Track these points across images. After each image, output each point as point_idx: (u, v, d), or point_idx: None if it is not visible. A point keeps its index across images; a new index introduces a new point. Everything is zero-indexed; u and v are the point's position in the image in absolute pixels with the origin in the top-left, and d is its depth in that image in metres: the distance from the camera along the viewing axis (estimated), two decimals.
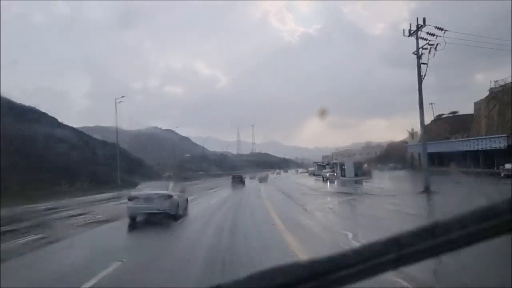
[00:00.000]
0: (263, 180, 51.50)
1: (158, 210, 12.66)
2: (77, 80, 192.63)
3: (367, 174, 49.34)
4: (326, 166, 76.90)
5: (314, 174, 74.66)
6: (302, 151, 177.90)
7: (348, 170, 50.13)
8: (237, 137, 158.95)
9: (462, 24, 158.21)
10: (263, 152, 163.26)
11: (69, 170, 36.38)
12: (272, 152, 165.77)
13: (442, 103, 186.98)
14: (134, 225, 12.69)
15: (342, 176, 50.53)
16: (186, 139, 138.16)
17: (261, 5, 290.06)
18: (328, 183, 42.88)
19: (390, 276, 4.45)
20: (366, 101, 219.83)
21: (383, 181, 40.01)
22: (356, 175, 48.24)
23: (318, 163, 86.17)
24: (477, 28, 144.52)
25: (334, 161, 65.49)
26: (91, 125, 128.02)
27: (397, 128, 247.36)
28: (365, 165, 58.29)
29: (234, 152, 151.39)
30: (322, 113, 74.16)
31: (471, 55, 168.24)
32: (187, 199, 16.19)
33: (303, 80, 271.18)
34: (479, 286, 5.06)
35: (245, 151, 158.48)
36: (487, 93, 52.22)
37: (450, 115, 77.28)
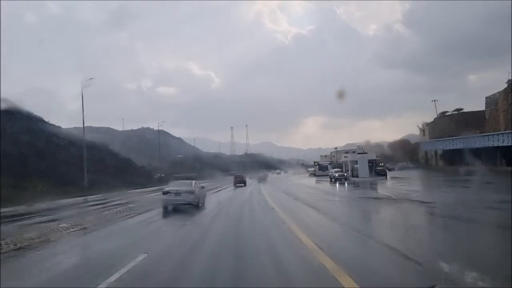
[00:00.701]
0: (262, 180, 53.10)
1: (185, 201, 16.92)
2: (69, 80, 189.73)
3: (382, 174, 44.63)
4: (329, 166, 73.01)
5: (315, 175, 70.81)
6: (296, 151, 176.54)
7: (361, 170, 45.39)
8: (231, 138, 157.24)
9: (455, 26, 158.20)
10: (256, 152, 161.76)
11: (39, 173, 32.80)
12: (265, 152, 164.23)
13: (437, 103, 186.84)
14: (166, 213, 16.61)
15: (353, 176, 46.34)
16: (179, 139, 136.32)
17: (254, 6, 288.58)
18: (337, 184, 37.90)
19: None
20: (359, 102, 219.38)
21: (408, 182, 35.08)
22: (371, 175, 43.95)
23: (320, 163, 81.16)
24: (470, 30, 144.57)
25: (344, 159, 58.40)
26: (81, 125, 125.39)
27: (389, 128, 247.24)
28: (381, 164, 52.32)
29: (228, 153, 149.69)
30: (340, 94, 66.68)
31: (463, 56, 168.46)
32: (205, 194, 20.88)
33: (296, 81, 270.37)
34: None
35: (239, 151, 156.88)
36: (480, 93, 50.61)
37: (455, 112, 74.49)
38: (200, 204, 17.95)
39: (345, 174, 45.47)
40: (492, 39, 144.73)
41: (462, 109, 75.02)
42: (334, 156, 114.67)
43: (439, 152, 64.51)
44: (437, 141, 62.92)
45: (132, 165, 54.99)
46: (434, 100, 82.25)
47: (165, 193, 17.30)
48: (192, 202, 17.03)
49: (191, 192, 17.26)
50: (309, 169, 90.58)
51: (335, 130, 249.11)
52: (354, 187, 33.44)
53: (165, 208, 16.78)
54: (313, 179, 56.43)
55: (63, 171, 34.81)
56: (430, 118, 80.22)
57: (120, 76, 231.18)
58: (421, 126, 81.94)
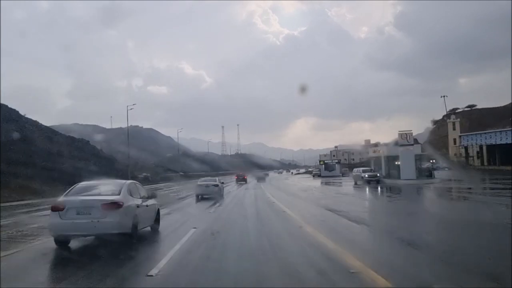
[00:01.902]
0: (260, 179, 54.44)
1: (212, 192, 23.35)
2: (59, 78, 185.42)
3: (428, 175, 36.57)
4: (336, 165, 66.31)
5: (320, 176, 62.78)
6: (287, 152, 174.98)
7: (405, 168, 35.04)
8: (222, 138, 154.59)
9: (446, 29, 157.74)
10: (248, 153, 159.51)
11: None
12: (257, 153, 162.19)
13: (429, 106, 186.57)
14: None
15: (388, 177, 36.86)
16: (169, 138, 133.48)
17: (247, 6, 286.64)
18: (369, 189, 27.67)
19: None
20: (350, 104, 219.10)
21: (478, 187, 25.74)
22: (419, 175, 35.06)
23: (326, 162, 71.02)
24: (460, 33, 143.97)
25: (373, 154, 45.90)
26: (69, 122, 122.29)
27: (380, 130, 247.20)
28: (433, 161, 45.19)
29: (219, 153, 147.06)
30: (302, 89, 60.52)
31: (454, 59, 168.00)
32: (223, 188, 27.49)
33: (288, 82, 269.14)
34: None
35: (230, 152, 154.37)
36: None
37: (467, 109, 70.56)
38: (223, 194, 24.78)
39: (378, 175, 34.94)
40: (483, 43, 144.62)
41: (475, 105, 70.29)
42: (334, 156, 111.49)
43: (479, 147, 53.09)
44: (485, 133, 48.46)
45: (114, 164, 52.10)
46: (444, 96, 77.59)
47: (197, 186, 24.29)
48: (216, 193, 23.94)
49: (216, 186, 23.95)
50: (313, 169, 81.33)
51: (326, 131, 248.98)
52: (413, 197, 22.38)
53: (197, 197, 22.81)
54: (320, 181, 45.82)
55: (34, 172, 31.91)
56: (439, 115, 75.21)
57: (110, 75, 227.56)
58: (431, 125, 77.11)
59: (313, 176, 68.49)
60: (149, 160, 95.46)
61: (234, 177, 55.89)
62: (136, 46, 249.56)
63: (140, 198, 9.55)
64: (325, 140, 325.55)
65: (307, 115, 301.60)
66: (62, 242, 8.09)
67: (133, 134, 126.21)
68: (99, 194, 8.58)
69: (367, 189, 28.18)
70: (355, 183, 34.69)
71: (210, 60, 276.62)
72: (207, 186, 23.80)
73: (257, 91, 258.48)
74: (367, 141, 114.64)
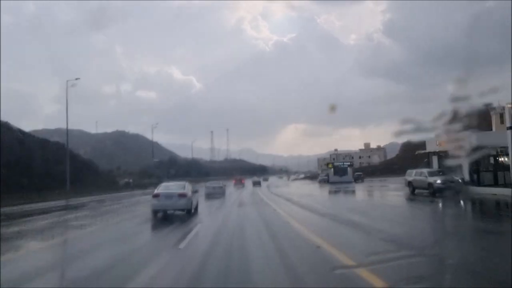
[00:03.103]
0: (256, 184, 54.24)
1: (220, 190, 30.12)
2: (44, 82, 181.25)
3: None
4: (348, 169, 55.84)
5: (327, 182, 54.10)
6: (277, 158, 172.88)
7: None
8: (211, 143, 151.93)
9: (434, 36, 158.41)
10: (238, 158, 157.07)
11: None
12: (246, 159, 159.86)
13: (417, 113, 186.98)
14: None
15: (476, 183, 22.78)
16: (156, 144, 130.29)
17: (236, 12, 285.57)
18: (455, 206, 16.86)
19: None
20: (340, 110, 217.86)
21: None
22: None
23: (336, 165, 59.00)
24: (448, 40, 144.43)
25: (437, 147, 28.58)
26: (53, 127, 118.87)
27: (370, 137, 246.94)
28: None
29: (208, 158, 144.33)
30: (332, 108, 58.90)
31: (442, 66, 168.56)
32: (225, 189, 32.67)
33: (278, 88, 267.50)
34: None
35: (219, 157, 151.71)
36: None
37: (484, 106, 67.75)
38: (226, 194, 24.75)
39: (459, 180, 21.38)
40: (470, 50, 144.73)
41: (491, 103, 66.39)
42: (334, 159, 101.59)
43: None
44: None
45: (94, 169, 49.36)
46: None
47: (207, 186, 27.96)
48: (222, 192, 29.31)
49: (222, 187, 25.67)
50: (307, 174, 70.70)
51: (316, 137, 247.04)
52: None
53: (207, 195, 23.05)
54: (334, 190, 35.08)
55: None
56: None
57: (98, 79, 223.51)
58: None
59: (319, 182, 57.92)
60: (134, 165, 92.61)
61: (233, 181, 60.37)
62: (124, 51, 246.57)
63: (191, 192, 15.96)
64: (315, 146, 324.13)
65: (297, 121, 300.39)
66: (155, 212, 14.61)
67: (119, 139, 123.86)
68: (175, 189, 15.26)
69: (416, 196, 19.80)
70: (412, 192, 23.18)
71: (199, 65, 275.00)
72: (214, 187, 29.93)
73: (247, 97, 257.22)
74: (367, 144, 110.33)
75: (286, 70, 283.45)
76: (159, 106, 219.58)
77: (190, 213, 14.89)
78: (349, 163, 60.53)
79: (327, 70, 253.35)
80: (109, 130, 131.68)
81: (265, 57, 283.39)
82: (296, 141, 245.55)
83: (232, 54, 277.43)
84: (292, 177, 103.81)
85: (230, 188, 45.99)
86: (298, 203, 20.49)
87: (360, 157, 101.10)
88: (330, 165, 61.67)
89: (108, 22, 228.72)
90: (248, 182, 60.19)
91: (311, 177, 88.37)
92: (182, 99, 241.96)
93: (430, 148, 29.50)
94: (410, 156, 74.77)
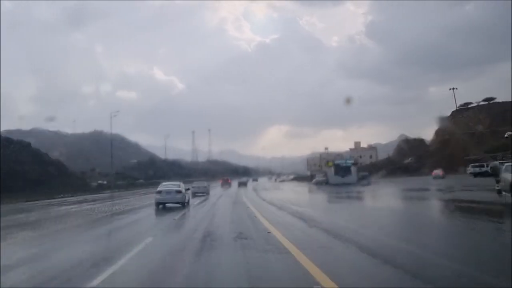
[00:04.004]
0: (242, 185, 53.84)
1: (204, 189, 33.97)
2: (21, 82, 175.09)
3: None
4: (352, 168, 47.91)
5: (326, 183, 46.36)
6: (260, 160, 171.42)
7: None
8: (192, 143, 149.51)
9: (416, 38, 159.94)
10: (220, 160, 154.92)
11: None
12: (229, 160, 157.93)
13: (399, 115, 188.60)
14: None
15: None
16: (135, 145, 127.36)
17: (218, 12, 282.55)
18: None
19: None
20: (323, 112, 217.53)
21: None
22: None
23: (338, 163, 50.14)
24: (429, 42, 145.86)
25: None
26: (28, 128, 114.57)
27: (352, 138, 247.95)
28: None
29: (189, 159, 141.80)
30: (348, 101, 55.09)
31: (424, 68, 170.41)
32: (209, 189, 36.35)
33: (260, 89, 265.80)
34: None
35: (201, 159, 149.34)
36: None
37: (484, 103, 61.70)
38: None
39: None
40: (451, 53, 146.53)
41: (494, 98, 60.73)
42: (324, 159, 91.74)
43: None
44: None
45: (64, 171, 46.88)
46: (453, 88, 66.76)
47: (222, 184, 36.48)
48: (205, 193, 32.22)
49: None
50: (316, 175, 61.08)
51: (298, 139, 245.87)
52: None
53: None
54: (346, 196, 27.05)
55: None
56: (447, 111, 66.71)
57: (77, 79, 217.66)
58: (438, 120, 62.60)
59: (316, 184, 48.96)
60: (109, 166, 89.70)
61: (219, 182, 63.45)
62: (104, 50, 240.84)
63: (185, 190, 21.07)
64: (297, 148, 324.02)
65: (279, 123, 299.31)
66: (158, 204, 19.84)
67: (97, 140, 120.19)
68: (172, 187, 20.52)
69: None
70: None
71: (181, 66, 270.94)
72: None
73: (229, 98, 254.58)
74: (357, 144, 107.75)
75: (269, 71, 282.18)
76: (140, 106, 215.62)
77: (184, 205, 20.34)
78: (352, 161, 51.48)
79: (309, 72, 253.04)
80: (87, 130, 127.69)
81: (247, 58, 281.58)
82: (279, 143, 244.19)
83: (214, 55, 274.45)
84: (282, 177, 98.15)
85: (215, 188, 47.86)
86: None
87: (350, 157, 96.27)
88: (330, 164, 51.62)
89: (87, 21, 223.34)
90: (233, 183, 61.97)
91: (300, 178, 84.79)
92: (163, 100, 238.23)
93: None
94: (411, 153, 70.32)
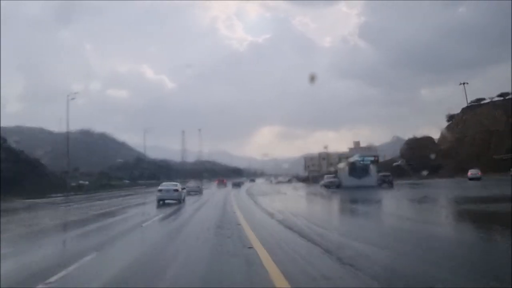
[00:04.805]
0: (235, 185, 54.87)
1: (198, 189, 39.80)
2: (7, 79, 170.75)
3: None
4: (371, 166, 40.26)
5: (338, 186, 38.38)
6: (251, 161, 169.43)
7: None
8: (182, 143, 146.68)
9: (408, 40, 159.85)
10: (211, 160, 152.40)
11: None
12: (220, 161, 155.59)
13: (390, 116, 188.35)
14: None
15: None
16: (122, 144, 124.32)
17: (210, 11, 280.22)
18: None
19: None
20: (315, 113, 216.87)
21: None
22: None
23: (353, 161, 41.89)
24: (421, 44, 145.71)
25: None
26: (12, 125, 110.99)
27: (344, 140, 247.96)
28: None
29: (178, 159, 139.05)
30: (312, 78, 48.55)
31: (417, 70, 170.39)
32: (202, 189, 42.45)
33: (252, 89, 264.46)
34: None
35: (191, 159, 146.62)
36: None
37: (499, 98, 58.13)
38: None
39: None
40: (443, 55, 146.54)
41: (509, 93, 57.83)
42: (324, 158, 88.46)
43: None
44: None
45: (41, 170, 44.23)
46: (463, 83, 63.56)
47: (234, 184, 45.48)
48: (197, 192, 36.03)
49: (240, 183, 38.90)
50: (325, 176, 47.47)
51: (290, 140, 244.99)
52: None
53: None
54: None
55: None
56: (456, 108, 63.43)
57: (66, 77, 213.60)
58: (445, 120, 60.73)
59: (325, 187, 39.63)
60: (98, 166, 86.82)
61: (215, 182, 66.08)
62: (94, 48, 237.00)
63: (181, 189, 25.88)
64: (289, 149, 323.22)
65: (271, 124, 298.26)
66: (159, 201, 23.88)
67: (83, 139, 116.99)
68: (171, 186, 25.37)
69: None
70: None
71: (172, 65, 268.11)
72: (236, 183, 44.48)
73: (221, 98, 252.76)
74: (357, 143, 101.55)
75: (261, 72, 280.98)
76: (129, 105, 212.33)
77: (180, 202, 24.31)
78: (372, 158, 41.99)
79: (302, 72, 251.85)
80: (74, 128, 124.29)
81: (239, 57, 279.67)
82: (271, 144, 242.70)
83: (206, 54, 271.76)
84: (279, 178, 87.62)
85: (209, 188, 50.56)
86: None
87: (347, 158, 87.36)
88: (343, 162, 43.42)
89: (76, 18, 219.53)
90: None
91: (298, 179, 78.97)
92: (154, 99, 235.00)
93: None
94: (419, 153, 60.40)
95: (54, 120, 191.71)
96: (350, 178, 39.43)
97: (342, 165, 43.23)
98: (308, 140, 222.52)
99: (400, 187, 36.33)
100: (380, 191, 32.17)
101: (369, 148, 62.00)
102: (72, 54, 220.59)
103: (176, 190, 24.32)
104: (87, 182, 53.57)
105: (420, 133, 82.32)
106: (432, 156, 52.52)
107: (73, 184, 48.10)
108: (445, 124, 70.85)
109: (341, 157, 49.32)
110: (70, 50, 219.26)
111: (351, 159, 42.37)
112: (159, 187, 25.05)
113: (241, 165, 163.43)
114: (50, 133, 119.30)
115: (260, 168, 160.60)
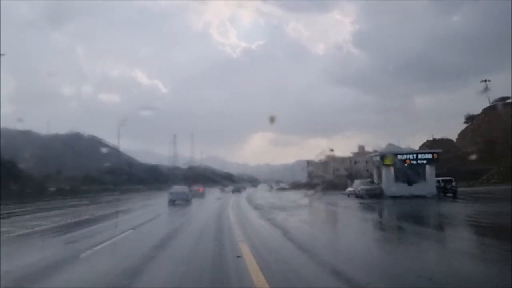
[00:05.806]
0: (236, 191, 56.44)
1: (198, 192, 46.47)
2: None
3: None
4: (427, 168, 30.89)
5: (377, 195, 29.84)
6: (244, 167, 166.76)
7: None
8: (174, 148, 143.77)
9: (402, 47, 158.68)
10: (203, 165, 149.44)
11: None
12: (213, 167, 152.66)
13: (383, 123, 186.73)
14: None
15: None
16: (114, 149, 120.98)
17: (203, 16, 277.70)
18: None
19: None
20: (308, 119, 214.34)
21: None
22: None
23: (397, 160, 31.58)
24: (415, 52, 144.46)
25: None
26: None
27: (336, 147, 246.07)
28: None
29: (170, 164, 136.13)
30: (272, 119, 48.06)
31: (409, 77, 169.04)
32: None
33: (245, 95, 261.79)
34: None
35: (183, 165, 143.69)
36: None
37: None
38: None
39: None
40: (438, 63, 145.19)
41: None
42: (321, 160, 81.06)
43: None
44: None
45: (15, 173, 41.36)
46: (485, 80, 58.63)
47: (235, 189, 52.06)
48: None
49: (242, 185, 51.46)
50: (354, 182, 37.06)
51: (283, 147, 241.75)
52: None
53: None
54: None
55: None
56: (476, 109, 60.18)
57: (56, 79, 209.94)
58: (463, 121, 58.38)
59: (359, 197, 31.00)
60: (83, 170, 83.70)
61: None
62: (84, 51, 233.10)
63: (189, 191, 34.79)
64: (282, 156, 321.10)
65: (264, 130, 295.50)
66: (170, 202, 29.85)
67: (71, 142, 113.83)
68: (181, 189, 33.40)
69: None
70: None
71: (164, 70, 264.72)
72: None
73: (213, 104, 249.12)
74: (361, 147, 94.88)
75: (254, 78, 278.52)
76: (122, 109, 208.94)
77: (188, 202, 31.04)
78: (430, 156, 31.72)
79: (295, 79, 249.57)
80: (62, 131, 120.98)
81: (232, 63, 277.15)
82: (264, 150, 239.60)
83: (199, 60, 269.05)
84: (281, 185, 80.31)
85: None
86: None
87: (356, 162, 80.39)
88: (387, 161, 31.31)
89: (66, 20, 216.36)
90: (214, 191, 62.07)
91: (300, 186, 69.91)
92: (146, 104, 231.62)
93: None
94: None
95: (43, 122, 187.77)
96: (396, 184, 29.99)
97: (387, 164, 31.35)
98: (302, 146, 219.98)
99: (467, 198, 27.53)
100: (450, 206, 23.89)
101: (375, 153, 40.42)
102: (62, 56, 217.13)
103: (184, 193, 32.22)
104: (68, 187, 50.71)
105: (414, 141, 78.99)
106: (473, 156, 46.91)
107: (52, 188, 45.22)
108: (463, 126, 67.61)
109: (373, 156, 36.70)
110: (60, 52, 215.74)
111: (397, 158, 30.85)
112: (170, 191, 32.01)
113: (233, 171, 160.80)
114: (38, 135, 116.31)
115: (253, 174, 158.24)
